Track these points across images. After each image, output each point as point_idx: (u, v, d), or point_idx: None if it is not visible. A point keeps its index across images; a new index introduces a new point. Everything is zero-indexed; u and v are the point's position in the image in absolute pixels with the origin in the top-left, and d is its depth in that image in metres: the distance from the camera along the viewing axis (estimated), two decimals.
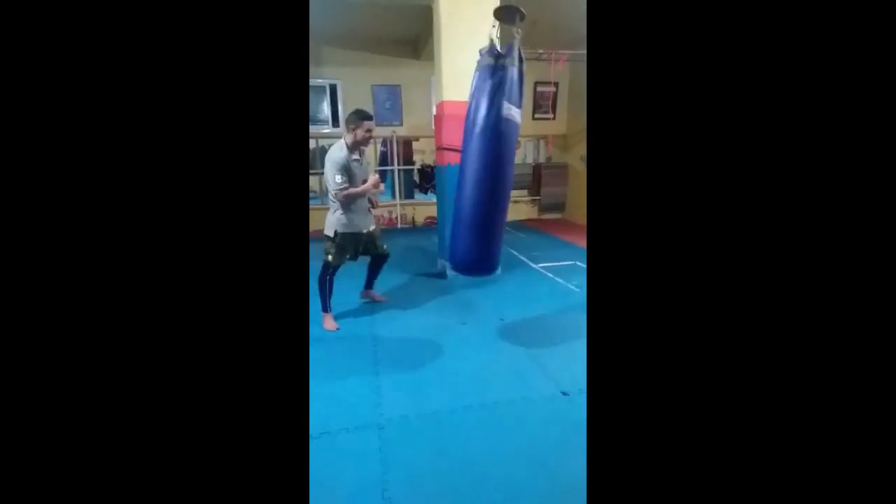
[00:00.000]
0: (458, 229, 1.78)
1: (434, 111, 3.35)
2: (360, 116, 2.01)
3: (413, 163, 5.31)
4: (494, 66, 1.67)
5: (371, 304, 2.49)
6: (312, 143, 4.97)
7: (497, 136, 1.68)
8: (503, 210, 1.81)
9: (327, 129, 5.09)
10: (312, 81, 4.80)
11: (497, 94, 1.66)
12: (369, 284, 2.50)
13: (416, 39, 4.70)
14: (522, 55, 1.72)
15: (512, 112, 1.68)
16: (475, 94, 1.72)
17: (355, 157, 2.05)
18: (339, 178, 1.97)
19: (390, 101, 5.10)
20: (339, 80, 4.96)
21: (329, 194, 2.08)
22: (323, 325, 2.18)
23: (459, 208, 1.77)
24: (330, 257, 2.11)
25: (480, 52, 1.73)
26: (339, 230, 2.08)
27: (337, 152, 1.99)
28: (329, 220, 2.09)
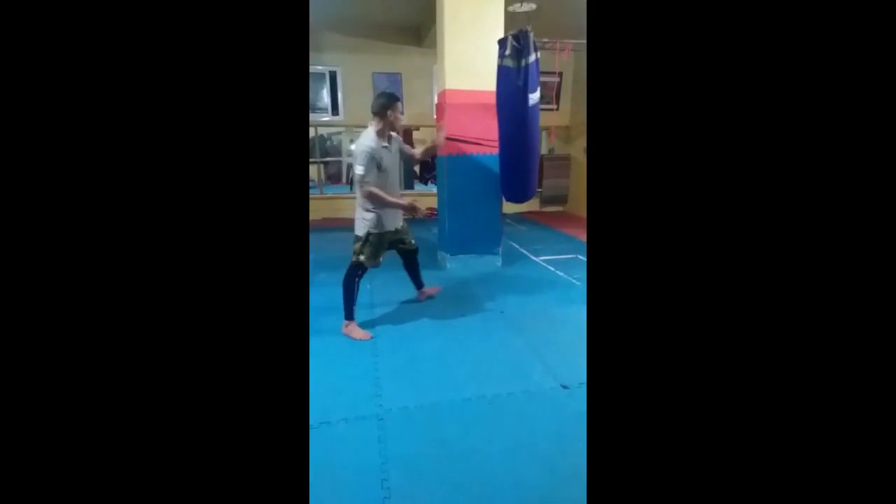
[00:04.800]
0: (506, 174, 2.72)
1: (436, 100, 3.30)
2: (389, 98, 1.88)
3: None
4: (517, 69, 2.38)
5: (370, 296, 2.48)
6: (311, 132, 4.91)
7: (523, 121, 2.47)
8: (531, 167, 2.67)
9: (326, 118, 5.02)
10: (312, 68, 4.72)
11: (518, 88, 2.39)
12: (419, 283, 2.38)
13: (418, 26, 4.61)
14: (535, 46, 2.35)
15: (532, 99, 2.44)
16: (499, 92, 2.54)
17: (384, 143, 1.91)
18: (360, 170, 1.81)
19: (391, 90, 5.02)
20: (339, 67, 4.88)
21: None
22: (350, 334, 1.96)
23: (502, 166, 2.73)
24: (362, 258, 1.95)
25: (499, 42, 2.46)
26: (371, 230, 1.92)
27: (365, 140, 1.85)
28: (359, 219, 1.94)
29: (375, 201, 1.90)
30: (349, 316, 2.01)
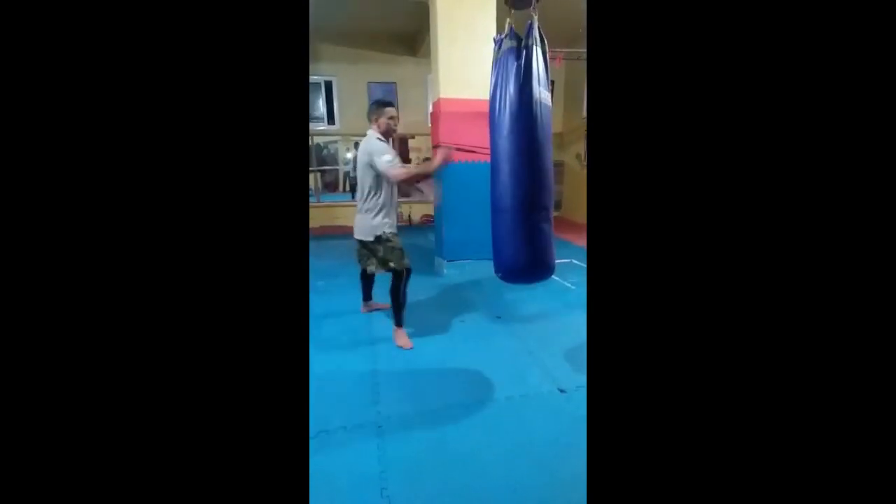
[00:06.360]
0: (501, 233, 1.57)
1: (430, 109, 3.33)
2: (379, 104, 1.91)
3: (409, 160, 5.30)
4: (518, 49, 1.49)
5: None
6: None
7: (533, 122, 1.49)
8: (549, 205, 1.65)
9: (322, 126, 5.05)
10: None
11: (526, 77, 1.47)
12: (369, 295, 2.31)
13: (413, 36, 4.68)
14: (543, 36, 1.54)
15: (543, 95, 1.52)
16: (500, 83, 1.52)
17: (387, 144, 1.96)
18: (388, 157, 1.84)
19: (387, 98, 5.07)
20: (334, 77, 4.92)
21: (360, 197, 1.94)
22: (397, 341, 1.98)
23: (499, 209, 1.59)
24: (405, 260, 1.95)
25: (496, 39, 1.54)
26: (389, 230, 1.93)
27: (375, 142, 1.88)
28: (371, 224, 1.91)
29: (409, 179, 1.96)
30: (400, 323, 2.01)
